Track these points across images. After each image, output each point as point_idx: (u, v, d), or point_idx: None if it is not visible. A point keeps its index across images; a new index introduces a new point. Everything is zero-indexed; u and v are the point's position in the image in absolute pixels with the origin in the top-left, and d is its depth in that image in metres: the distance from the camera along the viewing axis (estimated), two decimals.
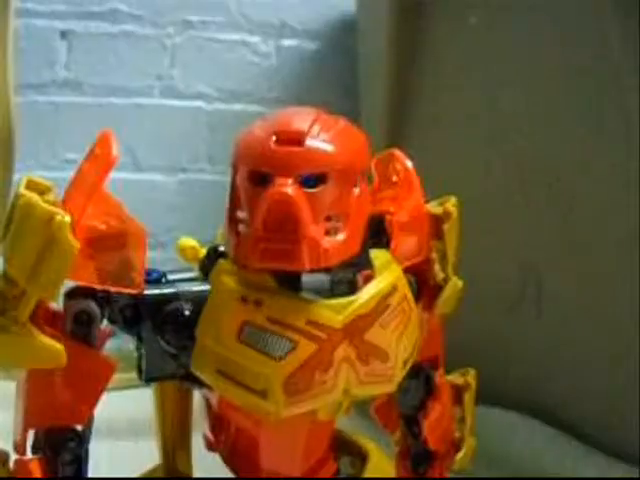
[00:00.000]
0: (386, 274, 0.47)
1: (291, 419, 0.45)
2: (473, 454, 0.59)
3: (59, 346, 0.43)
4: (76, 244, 0.42)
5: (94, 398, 0.46)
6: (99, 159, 0.45)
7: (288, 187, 0.42)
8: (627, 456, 0.74)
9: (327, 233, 0.44)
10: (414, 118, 0.96)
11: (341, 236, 0.44)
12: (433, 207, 0.54)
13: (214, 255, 0.48)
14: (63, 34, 1.15)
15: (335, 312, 0.44)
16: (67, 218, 0.42)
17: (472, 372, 0.59)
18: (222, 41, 1.17)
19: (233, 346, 0.43)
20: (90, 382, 0.46)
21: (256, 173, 0.44)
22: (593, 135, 0.77)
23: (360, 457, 0.53)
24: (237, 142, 0.46)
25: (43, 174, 1.05)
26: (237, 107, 1.18)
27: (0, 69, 0.95)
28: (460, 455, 0.58)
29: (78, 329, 0.46)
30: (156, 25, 1.16)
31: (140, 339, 0.47)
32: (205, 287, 0.46)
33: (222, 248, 0.48)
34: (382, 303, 0.46)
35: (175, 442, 0.53)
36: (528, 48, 0.83)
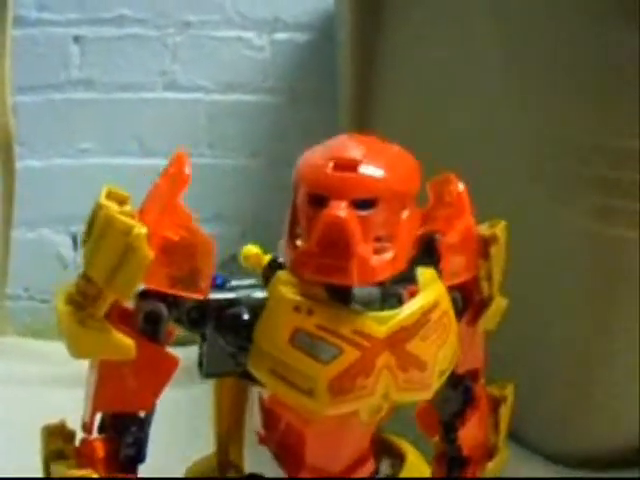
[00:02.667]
0: (429, 290, 0.50)
1: (336, 419, 0.49)
2: (505, 462, 0.62)
3: (129, 341, 0.48)
4: (150, 254, 0.47)
5: (157, 389, 0.50)
6: (173, 176, 0.49)
7: (341, 210, 0.46)
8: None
9: (376, 252, 0.47)
10: (377, 106, 1.00)
11: (389, 255, 0.48)
12: (483, 229, 0.57)
13: (274, 265, 0.52)
14: (76, 39, 1.26)
15: (379, 323, 0.48)
16: (144, 230, 0.46)
17: (510, 386, 0.62)
18: (219, 38, 1.26)
19: (286, 349, 0.47)
20: (154, 374, 0.50)
21: (314, 195, 0.48)
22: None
23: (399, 459, 0.57)
24: (298, 165, 0.50)
25: (62, 162, 1.26)
26: (233, 97, 1.27)
27: None
28: (492, 463, 0.61)
29: (147, 327, 0.49)
30: (158, 27, 1.26)
31: (203, 338, 0.51)
32: (264, 294, 0.50)
33: (281, 259, 0.51)
34: (424, 317, 0.49)
35: (229, 434, 0.57)
36: (496, 33, 0.84)
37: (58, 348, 0.51)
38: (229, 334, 0.50)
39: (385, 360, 0.48)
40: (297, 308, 0.48)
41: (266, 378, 0.48)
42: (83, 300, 0.48)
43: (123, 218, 0.47)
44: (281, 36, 1.28)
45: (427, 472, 0.57)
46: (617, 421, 0.81)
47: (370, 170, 0.47)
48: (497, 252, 0.56)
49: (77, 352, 0.48)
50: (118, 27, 1.25)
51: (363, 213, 0.47)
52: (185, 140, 1.24)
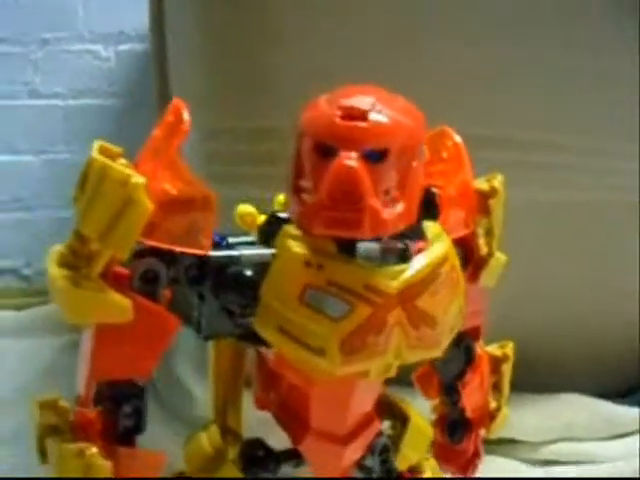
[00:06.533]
0: (438, 245, 0.49)
1: (343, 379, 0.47)
2: (506, 423, 0.60)
3: (127, 302, 0.44)
4: (150, 205, 0.43)
5: (157, 353, 0.47)
6: (170, 126, 0.46)
7: (352, 160, 0.43)
8: None
9: (386, 205, 0.45)
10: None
11: (399, 207, 0.45)
12: (480, 183, 0.55)
13: (275, 221, 0.49)
14: None
15: (390, 278, 0.46)
16: (142, 180, 0.43)
17: (510, 344, 0.61)
18: (72, 51, 1.49)
19: (295, 306, 0.45)
20: (154, 337, 0.46)
21: (321, 145, 0.45)
22: None
23: (400, 419, 0.54)
24: (303, 115, 0.47)
25: None
26: (84, 101, 1.50)
27: None
28: (494, 424, 0.60)
29: (144, 286, 0.46)
30: (21, 44, 1.50)
31: (201, 298, 0.48)
32: (265, 251, 0.48)
33: (281, 215, 0.49)
34: (433, 272, 0.47)
35: (227, 399, 0.54)
36: None
37: None
38: (232, 293, 0.47)
39: (397, 316, 0.46)
40: (307, 263, 0.45)
41: (274, 337, 0.46)
42: (76, 260, 0.44)
43: (120, 168, 0.43)
44: (124, 47, 1.50)
45: (430, 434, 0.56)
46: None
47: (380, 120, 0.44)
48: (497, 206, 0.55)
49: (73, 315, 0.44)
50: None
51: (373, 164, 0.44)
52: (46, 138, 1.49)
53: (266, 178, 0.67)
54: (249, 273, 0.46)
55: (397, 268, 0.46)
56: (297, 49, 0.82)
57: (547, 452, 0.84)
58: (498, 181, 0.55)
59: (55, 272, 0.43)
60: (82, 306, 0.44)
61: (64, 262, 0.44)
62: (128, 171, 0.43)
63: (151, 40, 1.20)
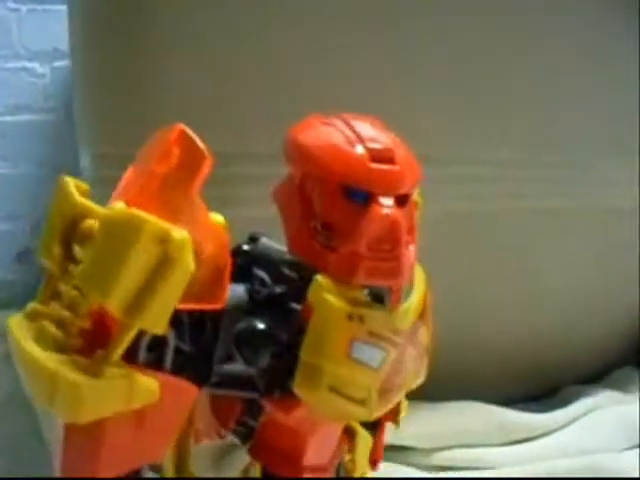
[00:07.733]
0: (419, 278, 0.49)
1: None
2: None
3: (155, 382, 0.38)
4: (193, 265, 0.37)
5: (177, 429, 0.41)
6: (180, 161, 0.38)
7: (392, 208, 0.43)
8: None
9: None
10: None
11: (413, 249, 0.45)
12: None
13: (244, 256, 0.46)
14: None
15: (403, 317, 0.45)
16: (186, 235, 0.37)
17: None
18: (8, 69, 1.48)
19: (344, 362, 0.43)
20: (174, 412, 0.41)
21: (351, 189, 0.43)
22: None
23: (348, 433, 0.53)
24: (315, 152, 0.43)
25: None
26: (21, 117, 1.50)
27: None
28: (400, 417, 0.58)
29: (151, 356, 0.40)
30: None
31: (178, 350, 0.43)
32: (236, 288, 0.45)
33: (245, 247, 0.46)
34: (424, 303, 0.48)
35: (181, 442, 0.48)
36: None
37: None
38: (246, 351, 0.43)
39: (409, 353, 0.46)
40: (350, 317, 0.43)
41: (322, 396, 0.43)
42: (70, 339, 0.36)
43: (155, 221, 0.36)
44: (59, 63, 1.48)
45: (370, 438, 0.56)
46: None
47: (403, 162, 0.43)
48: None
49: (88, 412, 0.35)
50: None
51: (402, 209, 0.43)
52: None
53: None
54: (262, 326, 0.43)
55: (406, 305, 0.45)
56: (178, 83, 0.78)
57: (441, 458, 0.84)
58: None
59: (44, 358, 0.35)
60: (102, 399, 0.35)
61: (54, 343, 0.36)
62: (165, 225, 0.36)
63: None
